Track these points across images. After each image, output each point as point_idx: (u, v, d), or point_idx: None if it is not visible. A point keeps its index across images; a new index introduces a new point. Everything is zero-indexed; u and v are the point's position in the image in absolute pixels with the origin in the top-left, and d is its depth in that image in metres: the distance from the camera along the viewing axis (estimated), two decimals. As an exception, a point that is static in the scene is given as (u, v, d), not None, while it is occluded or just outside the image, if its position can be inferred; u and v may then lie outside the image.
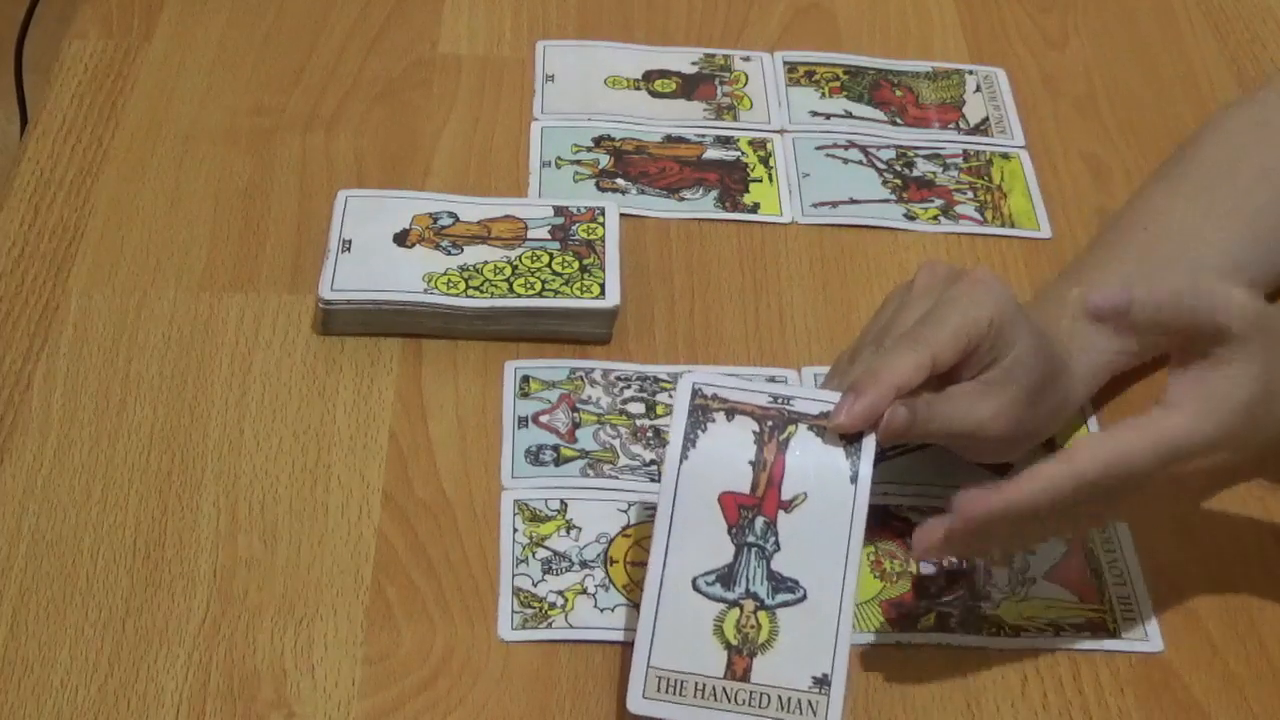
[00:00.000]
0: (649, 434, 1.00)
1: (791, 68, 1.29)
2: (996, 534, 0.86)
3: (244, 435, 0.99)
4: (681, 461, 0.86)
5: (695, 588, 0.85)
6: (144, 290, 1.08)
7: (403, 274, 1.06)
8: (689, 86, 1.27)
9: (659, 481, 0.89)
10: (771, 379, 1.04)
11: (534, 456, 0.99)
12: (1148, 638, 0.92)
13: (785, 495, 0.86)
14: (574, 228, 1.10)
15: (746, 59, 1.30)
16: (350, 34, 1.30)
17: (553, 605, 0.91)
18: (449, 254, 1.08)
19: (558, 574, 0.93)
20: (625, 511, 0.96)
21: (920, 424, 0.89)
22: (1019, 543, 0.93)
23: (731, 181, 1.19)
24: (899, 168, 1.20)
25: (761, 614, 0.85)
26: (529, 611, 0.91)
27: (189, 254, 1.11)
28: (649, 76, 1.28)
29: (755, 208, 1.17)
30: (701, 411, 0.87)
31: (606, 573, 0.93)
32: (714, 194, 1.18)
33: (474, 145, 1.21)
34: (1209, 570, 0.95)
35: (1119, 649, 0.91)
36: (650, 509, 0.92)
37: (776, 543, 0.86)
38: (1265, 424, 0.86)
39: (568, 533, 0.95)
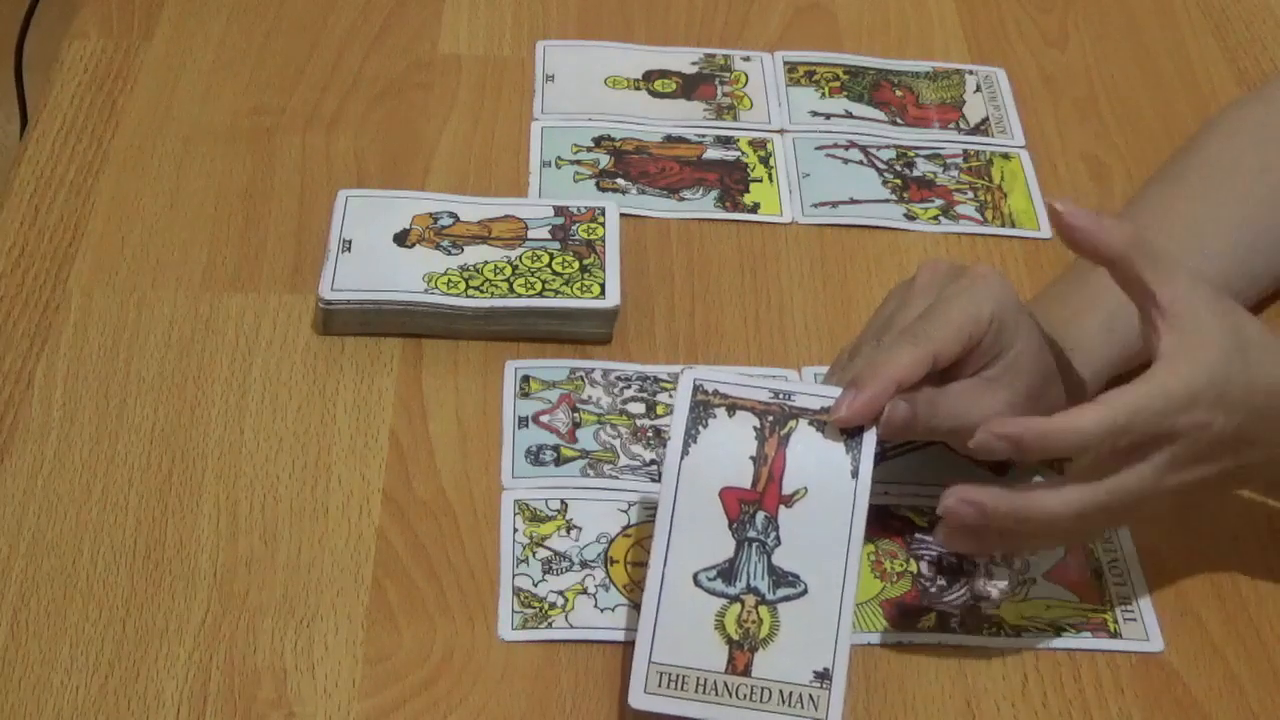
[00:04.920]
0: (649, 434, 1.00)
1: (791, 68, 1.29)
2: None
3: (244, 435, 0.99)
4: (682, 457, 0.86)
5: (696, 583, 0.85)
6: (144, 290, 1.08)
7: (403, 274, 1.06)
8: (689, 86, 1.27)
9: (660, 480, 0.89)
10: (772, 379, 1.04)
11: (534, 456, 0.99)
12: (1148, 638, 0.92)
13: (786, 490, 0.86)
14: (574, 228, 1.10)
15: (746, 59, 1.30)
16: (350, 34, 1.30)
17: (553, 605, 0.91)
18: (449, 254, 1.08)
19: (558, 574, 0.93)
20: (626, 511, 0.96)
21: (921, 419, 0.89)
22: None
23: (731, 181, 1.19)
24: (899, 168, 1.20)
25: (762, 609, 0.85)
26: (529, 611, 0.91)
27: (189, 254, 1.11)
28: (649, 76, 1.28)
29: (755, 208, 1.17)
30: (703, 407, 0.87)
31: (607, 573, 0.93)
32: (714, 194, 1.18)
33: (474, 145, 1.21)
34: (1209, 570, 0.95)
35: (1119, 649, 0.91)
36: (651, 508, 0.92)
37: (777, 537, 0.86)
38: (1242, 376, 0.86)
39: (568, 533, 0.95)
